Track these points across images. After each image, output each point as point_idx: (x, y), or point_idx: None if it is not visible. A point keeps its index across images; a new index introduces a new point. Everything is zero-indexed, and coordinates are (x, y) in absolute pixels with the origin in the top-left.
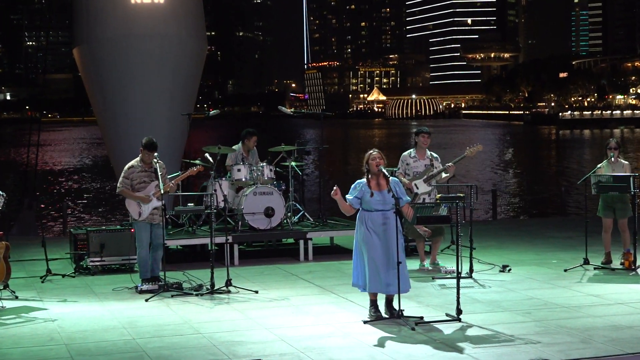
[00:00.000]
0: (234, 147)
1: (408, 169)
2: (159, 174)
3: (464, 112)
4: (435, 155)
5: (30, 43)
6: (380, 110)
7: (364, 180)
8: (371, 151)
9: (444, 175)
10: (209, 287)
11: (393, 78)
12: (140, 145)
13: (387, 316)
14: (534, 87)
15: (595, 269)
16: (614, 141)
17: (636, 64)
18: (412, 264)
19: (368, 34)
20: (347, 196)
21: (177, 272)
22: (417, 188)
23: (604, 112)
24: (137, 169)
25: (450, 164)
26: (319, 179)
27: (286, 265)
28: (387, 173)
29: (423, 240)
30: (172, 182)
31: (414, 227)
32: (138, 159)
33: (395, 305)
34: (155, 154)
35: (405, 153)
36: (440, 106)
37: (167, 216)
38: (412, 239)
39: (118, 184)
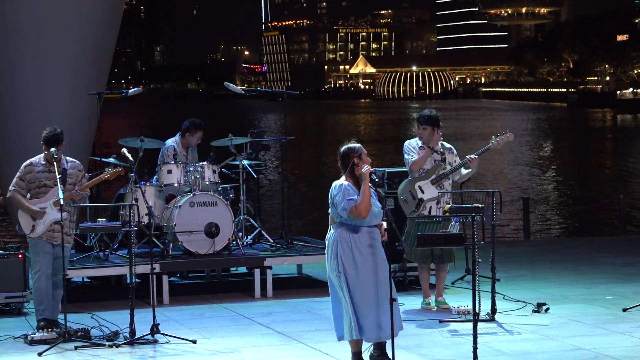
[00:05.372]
0: (168, 140)
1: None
2: (68, 176)
3: (484, 89)
4: (447, 145)
5: None
6: (367, 87)
7: (344, 181)
8: (355, 144)
9: (463, 172)
10: (127, 335)
11: (385, 43)
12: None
13: None
14: (582, 55)
15: None
16: None
17: None
18: (413, 302)
19: None
20: (346, 200)
21: (83, 314)
22: (422, 192)
23: None
24: (38, 167)
25: (473, 155)
26: (281, 183)
27: (236, 304)
28: (377, 181)
29: (428, 268)
30: (77, 188)
31: (417, 250)
32: (41, 155)
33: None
34: (53, 149)
35: (412, 140)
36: (452, 82)
37: (70, 234)
38: (405, 268)
39: (10, 187)
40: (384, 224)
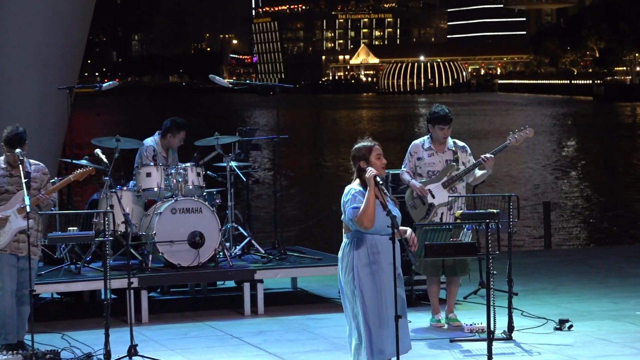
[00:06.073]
0: (147, 140)
1: (420, 167)
2: (32, 180)
3: (500, 82)
4: (460, 143)
5: None
6: (370, 79)
7: (357, 186)
8: (365, 143)
9: (478, 173)
10: (101, 357)
11: (390, 30)
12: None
13: None
14: (609, 43)
15: None
16: None
17: None
18: (421, 319)
19: None
20: (350, 208)
21: (53, 334)
22: (433, 197)
23: None
24: None
25: (488, 155)
26: (273, 187)
27: (223, 322)
28: (381, 183)
29: (438, 281)
30: (43, 192)
31: (426, 261)
32: (1, 158)
33: None
34: (18, 150)
35: (417, 141)
36: (465, 73)
37: (37, 244)
38: (412, 282)
39: None
40: (408, 230)
